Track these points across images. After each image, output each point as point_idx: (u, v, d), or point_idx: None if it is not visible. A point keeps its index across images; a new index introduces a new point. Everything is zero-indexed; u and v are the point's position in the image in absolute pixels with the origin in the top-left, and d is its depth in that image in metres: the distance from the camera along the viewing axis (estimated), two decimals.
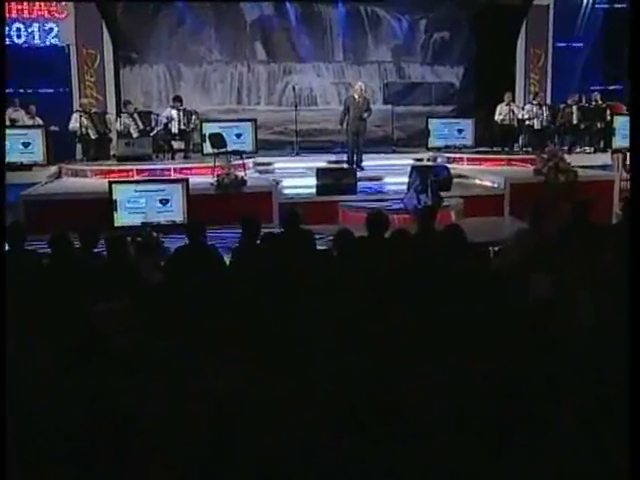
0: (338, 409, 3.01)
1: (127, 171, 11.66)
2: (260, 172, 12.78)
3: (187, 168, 11.87)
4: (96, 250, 5.98)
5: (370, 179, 12.35)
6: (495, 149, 13.99)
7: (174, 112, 12.85)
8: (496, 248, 6.93)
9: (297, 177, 12.57)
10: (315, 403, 3.04)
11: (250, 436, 2.87)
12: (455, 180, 11.57)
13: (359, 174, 11.96)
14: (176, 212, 9.49)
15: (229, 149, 11.83)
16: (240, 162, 11.72)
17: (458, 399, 3.07)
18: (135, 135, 12.73)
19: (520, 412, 2.99)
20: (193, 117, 12.96)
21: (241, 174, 10.96)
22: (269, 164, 13.44)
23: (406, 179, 10.96)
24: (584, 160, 12.84)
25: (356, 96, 12.91)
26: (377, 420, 2.93)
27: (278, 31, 15.51)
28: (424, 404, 3.04)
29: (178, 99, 13.03)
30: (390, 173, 12.81)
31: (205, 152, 12.44)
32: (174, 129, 12.84)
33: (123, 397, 3.05)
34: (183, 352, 3.59)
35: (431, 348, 3.58)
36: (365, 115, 12.81)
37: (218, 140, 11.86)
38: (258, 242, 6.14)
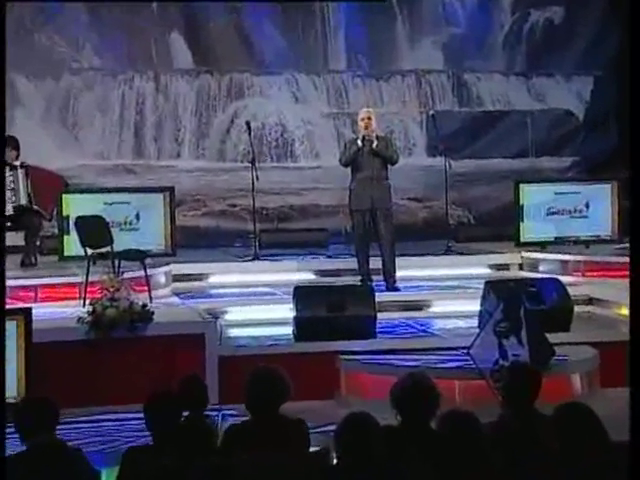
0: None
1: None
2: (182, 294, 12.88)
3: (28, 287, 11.86)
4: None
5: (403, 307, 12.45)
6: None
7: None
8: None
9: (255, 303, 12.63)
10: None
11: None
12: (578, 310, 11.63)
13: (381, 296, 11.95)
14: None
15: (117, 248, 11.87)
16: (141, 274, 11.85)
17: None
18: None
19: None
20: (46, 181, 13.08)
21: (141, 299, 10.93)
22: (200, 277, 13.68)
23: (475, 307, 11.07)
24: None
25: (362, 136, 12.74)
26: None
27: (219, 13, 15.99)
28: None
29: (12, 143, 13.06)
30: (442, 295, 12.96)
31: (68, 254, 12.62)
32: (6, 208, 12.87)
33: None
34: None
35: None
36: (384, 175, 12.68)
37: (96, 230, 11.93)
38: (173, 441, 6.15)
